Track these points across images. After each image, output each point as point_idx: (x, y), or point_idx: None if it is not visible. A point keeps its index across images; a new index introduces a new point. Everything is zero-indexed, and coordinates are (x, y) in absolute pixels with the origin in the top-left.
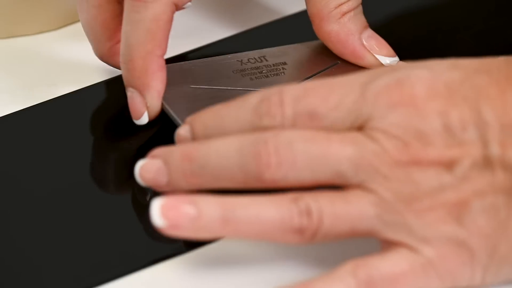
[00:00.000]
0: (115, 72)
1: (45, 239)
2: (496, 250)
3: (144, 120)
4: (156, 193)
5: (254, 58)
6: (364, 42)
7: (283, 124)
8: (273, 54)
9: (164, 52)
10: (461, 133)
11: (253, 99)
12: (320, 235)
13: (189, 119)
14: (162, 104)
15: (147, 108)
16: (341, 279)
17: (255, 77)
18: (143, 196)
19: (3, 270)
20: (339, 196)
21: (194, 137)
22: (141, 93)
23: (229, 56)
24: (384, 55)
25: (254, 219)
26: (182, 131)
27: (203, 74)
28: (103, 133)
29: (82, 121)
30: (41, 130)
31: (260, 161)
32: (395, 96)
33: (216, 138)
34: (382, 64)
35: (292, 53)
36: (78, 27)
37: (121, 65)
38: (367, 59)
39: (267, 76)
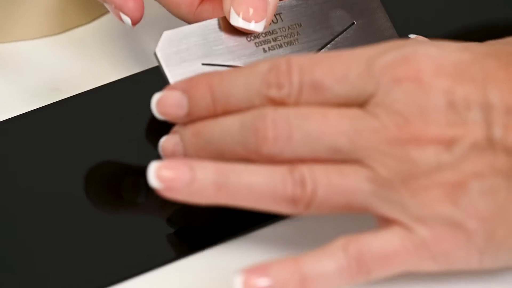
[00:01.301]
0: (119, 75)
1: (49, 242)
2: (493, 234)
3: (126, 21)
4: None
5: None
6: None
7: (290, 94)
8: (289, 11)
9: None
10: (464, 112)
11: (262, 67)
12: (314, 206)
13: (185, 84)
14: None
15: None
16: (332, 254)
17: (269, 47)
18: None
19: (8, 272)
20: (335, 168)
21: (192, 103)
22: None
23: None
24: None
25: (247, 186)
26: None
27: (216, 41)
28: (107, 135)
29: (85, 125)
30: (44, 133)
31: (258, 136)
32: (401, 72)
33: (222, 116)
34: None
35: (307, 11)
36: (80, 32)
37: None
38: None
39: (280, 46)
